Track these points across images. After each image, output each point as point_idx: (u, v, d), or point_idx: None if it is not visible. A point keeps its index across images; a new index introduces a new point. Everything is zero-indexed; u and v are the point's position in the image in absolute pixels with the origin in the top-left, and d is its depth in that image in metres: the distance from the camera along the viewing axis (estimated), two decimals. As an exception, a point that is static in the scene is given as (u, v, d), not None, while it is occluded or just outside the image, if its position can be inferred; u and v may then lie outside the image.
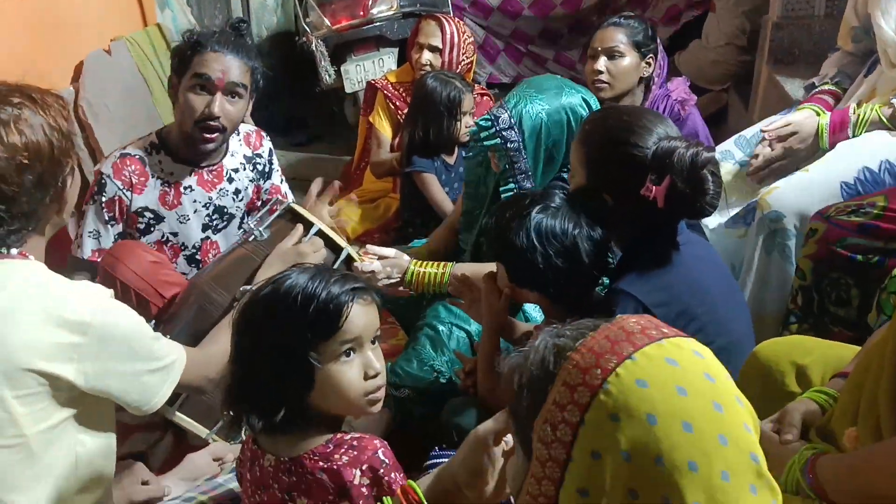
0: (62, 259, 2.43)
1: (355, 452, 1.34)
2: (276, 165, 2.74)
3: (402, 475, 1.36)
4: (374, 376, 1.39)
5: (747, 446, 0.91)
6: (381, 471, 1.33)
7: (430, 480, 1.22)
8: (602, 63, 2.81)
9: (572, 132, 2.20)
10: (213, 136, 2.38)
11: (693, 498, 0.86)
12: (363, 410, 1.40)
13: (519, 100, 2.24)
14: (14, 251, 1.57)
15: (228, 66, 2.35)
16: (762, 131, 2.49)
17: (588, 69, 2.86)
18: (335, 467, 1.32)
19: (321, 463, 1.34)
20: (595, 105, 2.28)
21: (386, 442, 1.39)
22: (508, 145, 2.22)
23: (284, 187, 2.77)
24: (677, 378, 0.91)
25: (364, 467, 1.33)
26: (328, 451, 1.35)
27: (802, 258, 2.17)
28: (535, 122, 2.21)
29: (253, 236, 2.23)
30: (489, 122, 2.24)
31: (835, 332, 2.11)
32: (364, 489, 1.32)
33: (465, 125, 3.21)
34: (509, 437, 1.16)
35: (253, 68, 2.42)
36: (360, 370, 1.38)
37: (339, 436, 1.38)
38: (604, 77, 2.81)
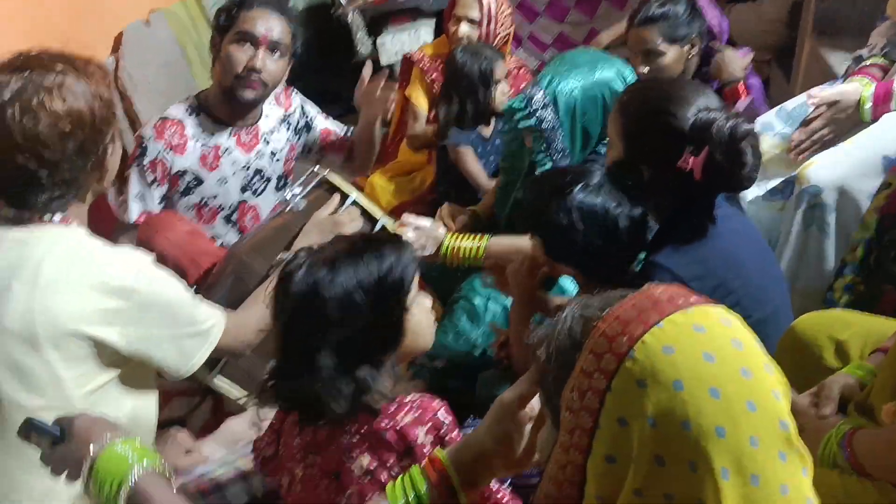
0: (102, 226, 2.47)
1: (419, 412, 1.38)
2: (312, 113, 2.76)
3: (460, 436, 1.39)
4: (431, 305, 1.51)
5: (776, 413, 0.90)
6: (444, 430, 1.37)
7: (456, 449, 1.23)
8: (643, 68, 2.75)
9: (608, 108, 2.17)
10: (254, 86, 2.41)
11: (720, 463, 0.86)
12: (432, 340, 1.52)
13: (552, 77, 2.20)
14: (57, 218, 1.60)
15: (272, 24, 2.40)
16: (809, 95, 2.43)
17: (632, 65, 2.81)
18: (400, 427, 1.36)
19: (385, 422, 1.36)
20: (631, 77, 2.25)
21: (445, 402, 1.43)
22: (543, 125, 2.19)
23: (333, 125, 2.80)
24: (704, 344, 0.91)
25: (428, 426, 1.37)
26: (391, 410, 1.38)
27: (870, 210, 2.13)
28: (570, 101, 2.17)
29: (290, 206, 2.26)
30: (523, 103, 2.21)
31: (887, 291, 2.08)
32: (427, 448, 1.35)
33: (501, 92, 3.19)
34: (534, 403, 1.16)
35: (294, 32, 2.46)
36: (427, 302, 1.49)
37: (400, 397, 1.41)
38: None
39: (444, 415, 1.39)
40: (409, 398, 1.41)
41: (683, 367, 0.89)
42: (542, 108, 2.18)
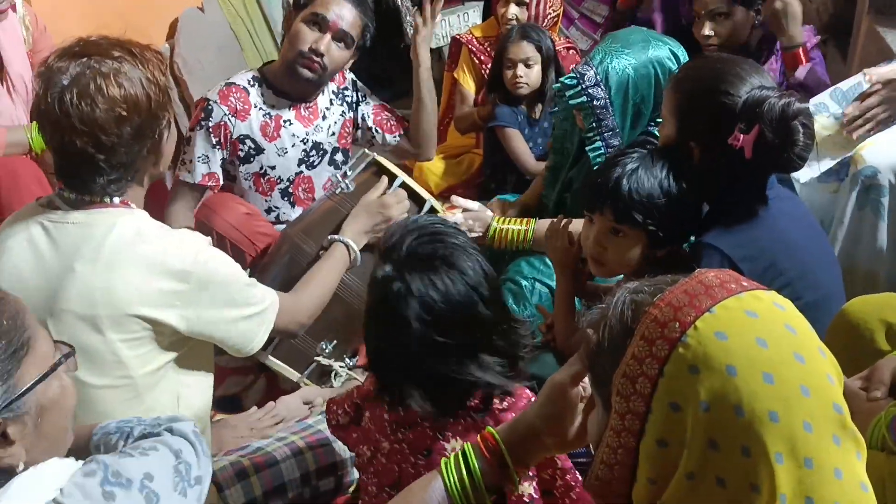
0: (158, 210, 2.52)
1: (513, 399, 1.40)
2: (364, 91, 2.77)
3: None
4: None
5: (830, 397, 0.90)
6: None
7: (509, 427, 1.24)
8: (708, 28, 2.75)
9: (660, 86, 2.16)
10: (314, 66, 2.45)
11: (774, 448, 0.86)
12: None
13: (605, 55, 2.19)
14: (116, 200, 1.63)
15: (345, 13, 2.45)
16: (864, 73, 2.38)
17: (696, 32, 2.79)
18: (495, 411, 1.38)
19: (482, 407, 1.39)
20: (683, 56, 2.23)
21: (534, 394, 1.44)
22: (595, 103, 2.19)
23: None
24: (757, 329, 0.91)
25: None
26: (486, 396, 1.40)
27: None
28: (622, 78, 2.17)
29: (340, 188, 2.29)
30: (574, 80, 2.20)
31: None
32: None
33: (517, 76, 3.16)
34: (586, 383, 1.17)
35: (365, 25, 2.51)
36: None
37: None
38: (713, 41, 2.75)
39: None
40: None
41: (736, 353, 0.89)
42: (593, 86, 2.18)
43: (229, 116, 2.50)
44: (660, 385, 0.91)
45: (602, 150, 2.21)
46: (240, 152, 2.55)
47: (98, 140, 1.55)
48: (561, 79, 2.30)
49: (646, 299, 0.97)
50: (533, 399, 1.40)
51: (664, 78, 2.16)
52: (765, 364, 0.89)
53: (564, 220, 2.04)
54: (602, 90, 2.18)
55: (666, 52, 2.20)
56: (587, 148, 2.25)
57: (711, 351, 0.89)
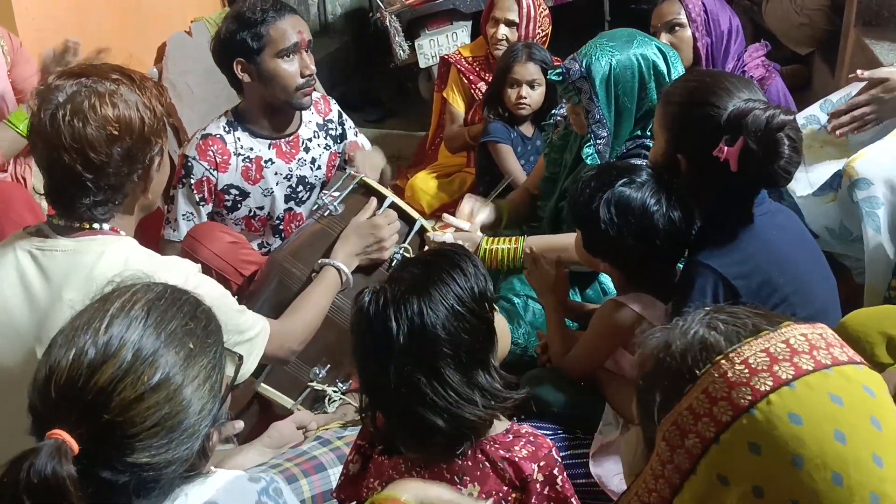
0: (155, 242, 2.51)
1: (533, 448, 1.37)
2: (348, 123, 2.78)
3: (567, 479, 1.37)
4: None
5: None
6: (556, 469, 1.36)
7: None
8: (665, 39, 2.76)
9: (644, 79, 2.22)
10: (310, 89, 2.48)
11: None
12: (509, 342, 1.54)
13: (589, 49, 2.26)
14: (106, 227, 1.61)
15: (300, 25, 2.44)
16: (857, 72, 2.36)
17: None
18: (516, 459, 1.35)
19: (502, 452, 1.35)
20: (671, 54, 2.27)
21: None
22: (581, 95, 2.24)
23: (361, 139, 2.81)
24: (838, 420, 0.81)
25: (541, 463, 1.36)
26: (508, 440, 1.37)
27: None
28: (604, 71, 2.21)
29: (328, 211, 2.27)
30: (560, 76, 2.27)
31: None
32: (538, 485, 1.33)
33: (521, 96, 3.15)
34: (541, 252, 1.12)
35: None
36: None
37: (516, 427, 1.40)
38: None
39: (556, 454, 1.38)
40: (524, 430, 1.40)
41: (808, 443, 0.80)
42: (579, 79, 2.23)
43: (210, 171, 2.49)
44: (712, 451, 0.84)
45: (591, 142, 2.26)
46: (226, 202, 2.55)
47: (87, 158, 1.53)
48: (549, 73, 2.37)
49: (719, 343, 0.88)
50: (555, 448, 1.37)
51: (648, 72, 2.21)
52: (837, 463, 0.79)
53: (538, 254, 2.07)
54: (587, 83, 2.22)
55: (652, 48, 2.25)
56: (583, 146, 2.29)
57: (781, 434, 0.81)
